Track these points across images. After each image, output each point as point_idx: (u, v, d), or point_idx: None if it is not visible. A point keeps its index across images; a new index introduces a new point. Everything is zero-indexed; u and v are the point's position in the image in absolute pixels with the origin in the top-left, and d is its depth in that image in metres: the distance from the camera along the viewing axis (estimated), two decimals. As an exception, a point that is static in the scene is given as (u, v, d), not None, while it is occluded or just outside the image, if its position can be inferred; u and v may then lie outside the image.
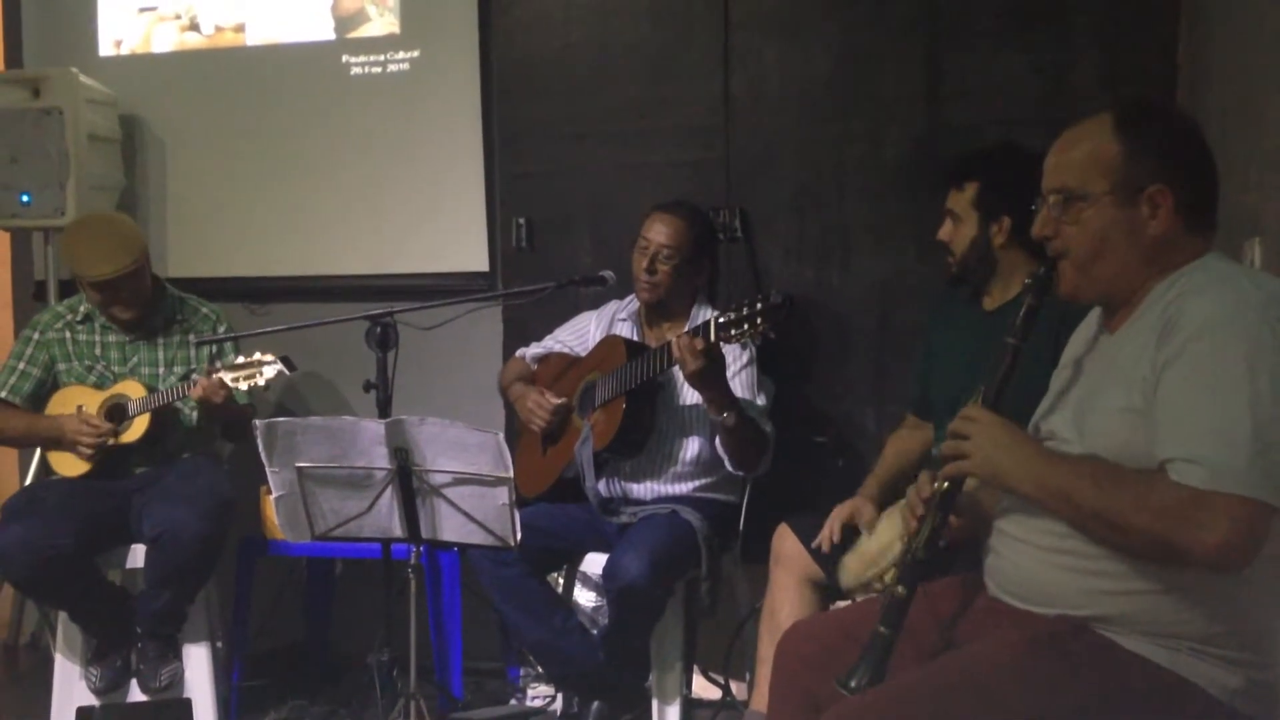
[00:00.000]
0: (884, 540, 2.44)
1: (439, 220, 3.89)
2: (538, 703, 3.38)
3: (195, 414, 3.35)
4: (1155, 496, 1.60)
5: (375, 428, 2.50)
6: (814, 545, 2.67)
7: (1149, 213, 1.75)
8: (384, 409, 2.93)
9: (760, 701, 2.51)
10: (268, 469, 2.53)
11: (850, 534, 2.62)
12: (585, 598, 3.40)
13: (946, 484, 1.85)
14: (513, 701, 3.41)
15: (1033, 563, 1.80)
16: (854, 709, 1.70)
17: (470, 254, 3.84)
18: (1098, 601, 1.72)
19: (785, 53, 3.52)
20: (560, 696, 3.29)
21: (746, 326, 2.64)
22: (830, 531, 2.65)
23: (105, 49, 4.21)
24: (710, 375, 2.77)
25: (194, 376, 3.26)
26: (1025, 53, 3.30)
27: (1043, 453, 1.77)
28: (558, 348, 3.39)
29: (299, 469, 2.52)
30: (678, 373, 3.00)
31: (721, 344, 2.72)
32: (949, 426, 1.85)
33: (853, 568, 2.49)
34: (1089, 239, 1.78)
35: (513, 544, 2.55)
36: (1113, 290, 1.82)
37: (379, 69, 3.94)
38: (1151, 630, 1.68)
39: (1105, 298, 1.85)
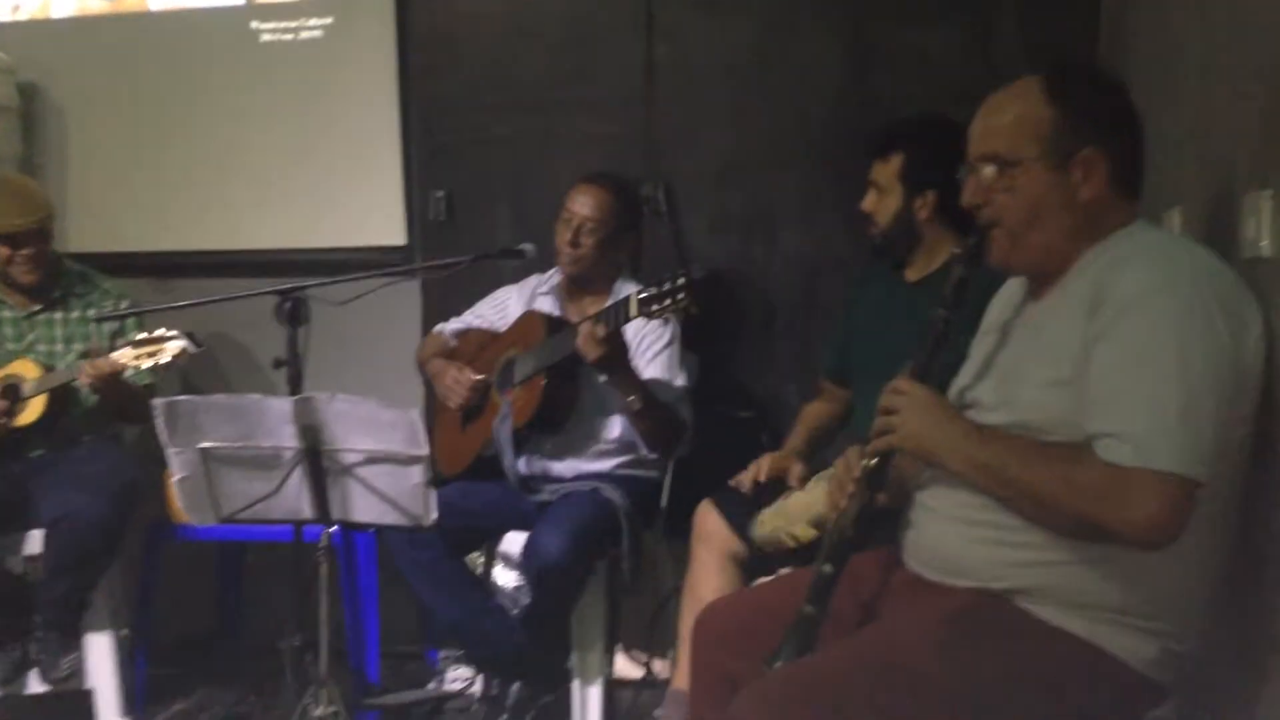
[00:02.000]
0: (805, 500, 2.42)
1: (354, 193, 3.78)
2: (457, 685, 3.32)
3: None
4: (1083, 474, 1.58)
5: (282, 406, 2.40)
6: (734, 485, 2.65)
7: (1081, 178, 1.73)
8: (295, 386, 2.81)
9: (682, 680, 2.47)
10: (168, 450, 2.42)
11: (776, 490, 2.59)
12: (506, 578, 3.34)
13: (875, 460, 1.81)
14: (431, 685, 3.35)
15: (951, 536, 1.78)
16: (771, 686, 1.66)
17: (387, 227, 3.74)
18: (1015, 574, 1.70)
19: (708, 22, 3.47)
20: (480, 678, 3.23)
21: (669, 302, 2.59)
22: (757, 471, 2.63)
23: (1, 14, 4.02)
24: (612, 361, 2.73)
25: (92, 354, 3.13)
26: (948, 25, 3.31)
27: (971, 427, 1.74)
28: (477, 323, 3.31)
29: (202, 449, 2.41)
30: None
31: (644, 320, 2.67)
32: (880, 402, 1.82)
33: (767, 521, 2.47)
34: (1022, 206, 1.75)
35: (428, 524, 2.47)
36: (1044, 258, 1.79)
37: (290, 36, 3.80)
38: (1068, 601, 1.67)
39: (1037, 266, 1.82)
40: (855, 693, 1.62)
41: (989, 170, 1.76)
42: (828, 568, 1.77)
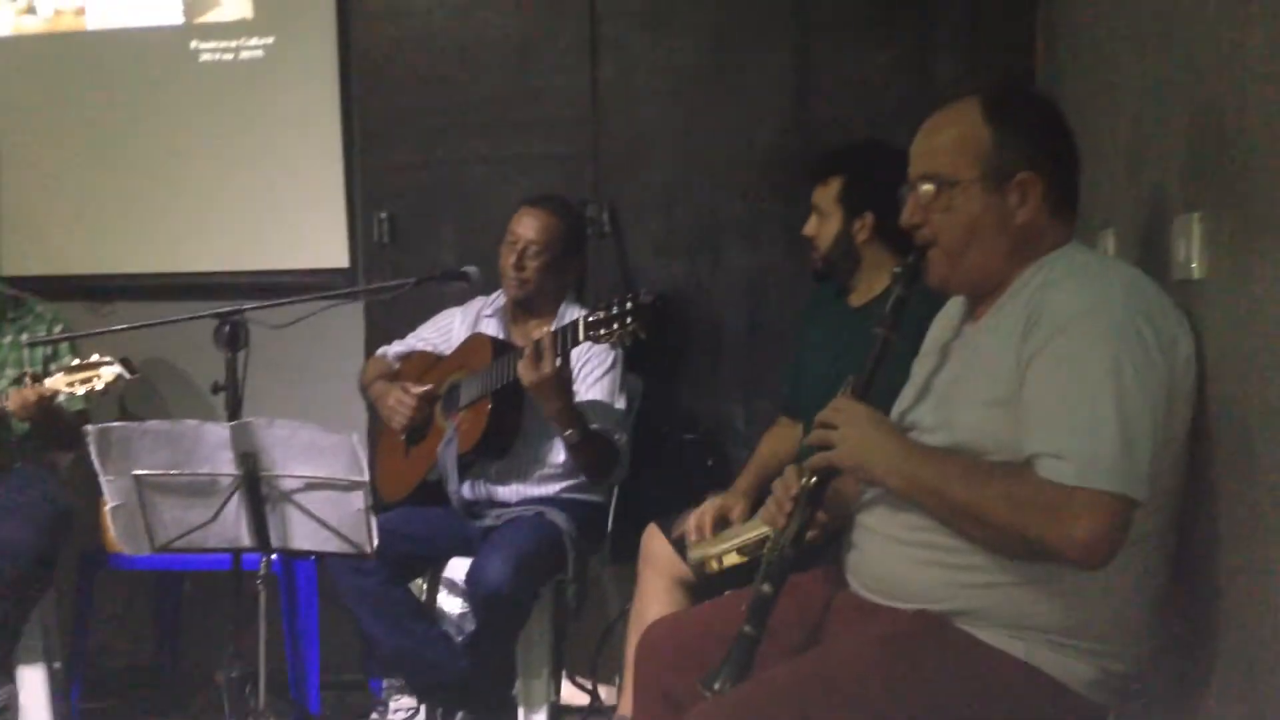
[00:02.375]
0: (738, 529, 2.42)
1: (296, 215, 3.74)
2: (400, 715, 3.27)
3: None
4: (1023, 492, 1.58)
5: (220, 431, 2.36)
6: (676, 536, 2.63)
7: (1018, 200, 1.74)
8: (234, 412, 2.77)
9: (628, 705, 2.45)
10: (102, 477, 2.37)
11: (721, 527, 2.58)
12: (450, 604, 3.30)
13: (814, 479, 1.81)
14: (374, 715, 3.30)
15: (893, 557, 1.77)
16: (714, 710, 1.64)
17: (330, 250, 3.70)
18: (957, 595, 1.70)
19: (653, 44, 3.48)
20: (424, 708, 3.18)
21: (616, 326, 2.58)
22: (700, 521, 2.60)
23: (-64, 34, 3.96)
24: (551, 390, 2.71)
25: (25, 380, 3.06)
26: (889, 50, 3.34)
27: (911, 446, 1.74)
28: (421, 346, 3.28)
29: (136, 477, 2.36)
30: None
31: (589, 342, 2.66)
32: (817, 417, 1.81)
33: (697, 545, 2.45)
34: (959, 226, 1.76)
35: (369, 551, 2.43)
36: (981, 279, 1.80)
37: (230, 56, 3.77)
38: (1009, 623, 1.67)
39: (974, 286, 1.83)
40: (798, 717, 1.60)
41: (927, 189, 1.77)
42: (766, 588, 1.76)
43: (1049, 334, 1.62)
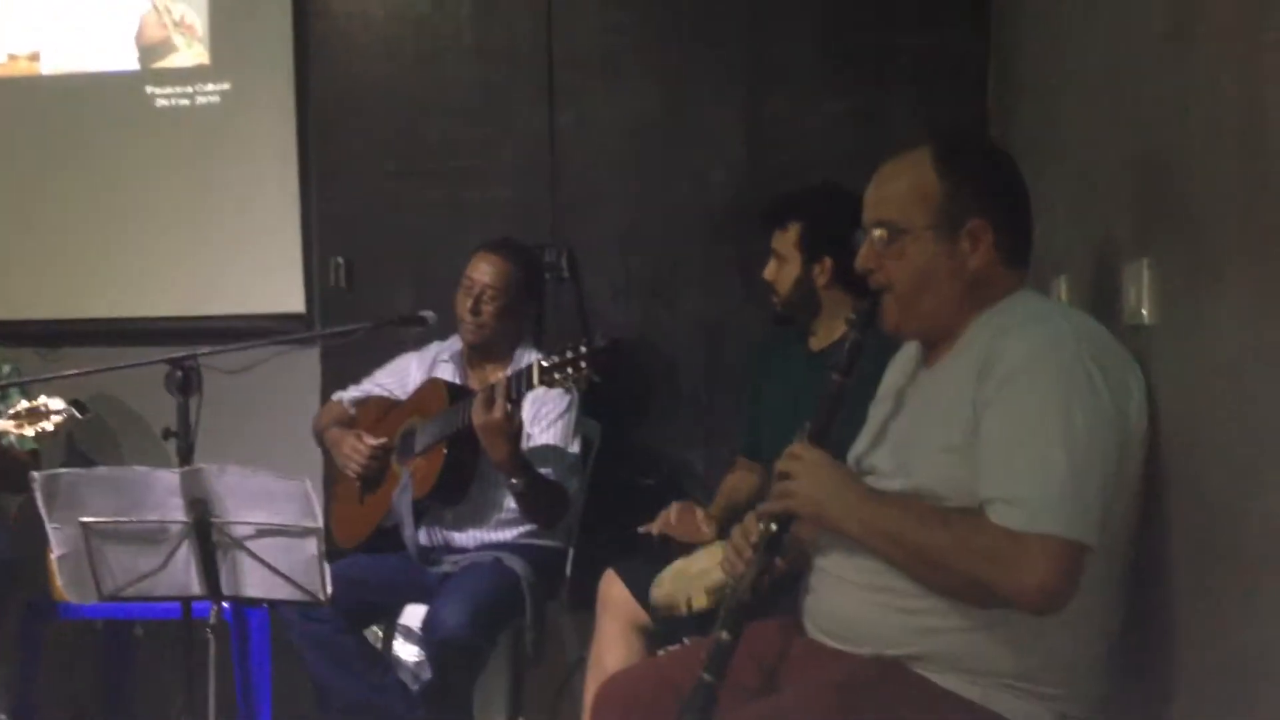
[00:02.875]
0: (704, 564, 2.41)
1: (251, 260, 3.72)
2: (355, 766, 3.20)
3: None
4: (976, 538, 1.59)
5: (169, 478, 2.32)
6: (643, 530, 2.63)
7: (969, 247, 1.76)
8: (185, 458, 2.73)
9: (586, 754, 2.43)
10: (48, 525, 2.32)
11: (677, 551, 2.58)
12: (406, 652, 3.25)
13: (774, 526, 1.80)
14: (328, 766, 3.22)
15: (850, 601, 1.77)
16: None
17: (285, 295, 3.68)
18: (913, 640, 1.70)
19: (610, 91, 3.51)
20: (379, 757, 3.12)
21: (570, 370, 2.58)
22: (666, 516, 2.60)
23: (-112, 75, 3.92)
24: (499, 436, 2.69)
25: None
26: (842, 98, 3.40)
27: (868, 492, 1.74)
28: (377, 391, 3.25)
29: (83, 524, 2.32)
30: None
31: (544, 386, 2.65)
32: (776, 466, 1.82)
33: (666, 583, 2.45)
34: (911, 273, 1.78)
35: (323, 598, 2.39)
36: (934, 325, 1.82)
37: (186, 101, 3.75)
38: (965, 667, 1.67)
39: (927, 332, 1.85)
40: (754, 764, 1.59)
41: (880, 235, 1.79)
42: (725, 635, 1.74)
43: (1001, 380, 1.63)
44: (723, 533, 2.68)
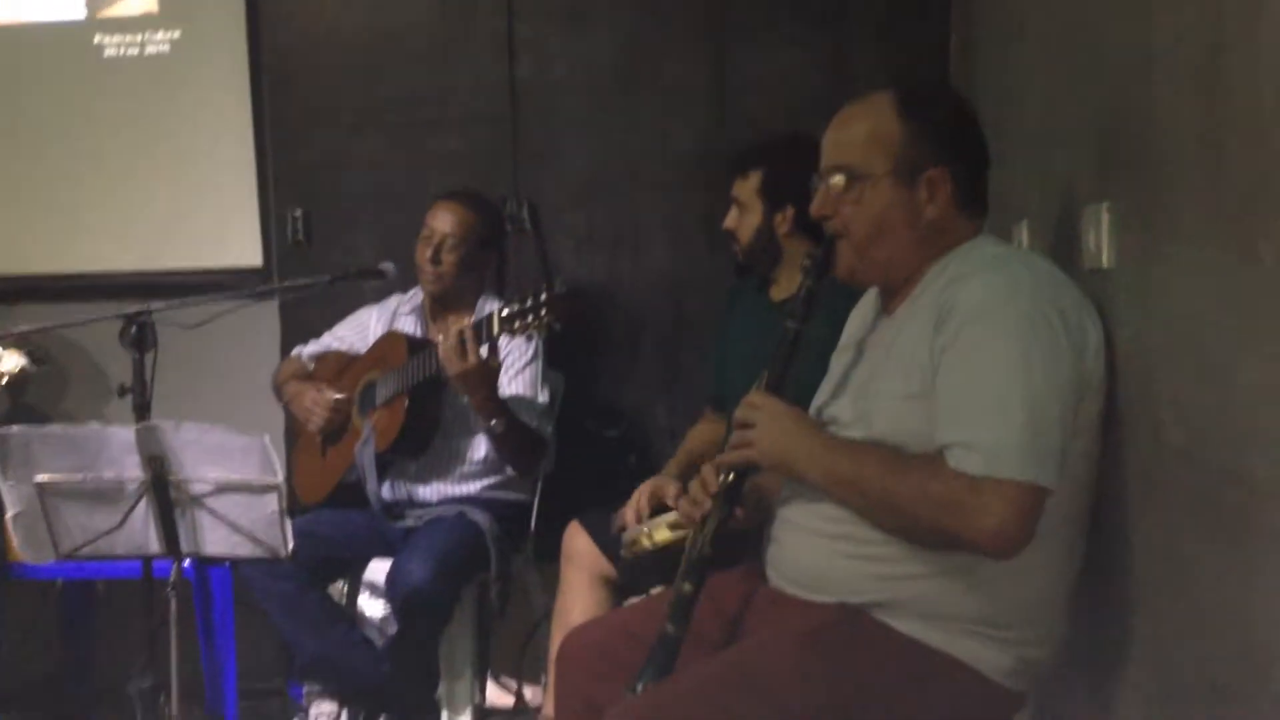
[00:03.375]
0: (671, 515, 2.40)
1: (207, 213, 3.66)
2: (321, 721, 3.20)
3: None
4: (935, 483, 1.58)
5: (125, 434, 2.29)
6: (616, 531, 2.61)
7: (927, 195, 1.75)
8: (141, 414, 2.69)
9: (552, 707, 2.43)
10: (1, 484, 2.29)
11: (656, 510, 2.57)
12: (372, 607, 3.24)
13: (731, 475, 1.80)
14: (294, 721, 3.23)
15: (813, 550, 1.77)
16: (633, 709, 1.63)
17: (242, 249, 3.62)
18: (875, 587, 1.70)
19: (570, 40, 3.45)
20: (345, 713, 3.12)
21: (531, 318, 2.55)
22: (638, 503, 2.58)
23: None
24: (476, 380, 2.67)
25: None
26: (806, 47, 3.36)
27: (828, 440, 1.74)
28: (337, 345, 3.22)
29: (38, 483, 2.28)
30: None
31: (505, 336, 2.63)
32: (734, 416, 1.81)
33: (632, 532, 2.44)
34: (868, 220, 1.76)
35: (284, 555, 2.37)
36: (889, 273, 1.81)
37: (136, 50, 3.67)
38: (927, 613, 1.68)
39: (882, 280, 1.84)
40: (715, 714, 1.60)
41: (838, 181, 1.77)
42: (687, 587, 1.74)
43: (959, 326, 1.63)
44: (689, 481, 2.68)
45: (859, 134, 1.78)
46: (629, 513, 2.57)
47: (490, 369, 2.69)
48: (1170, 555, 1.52)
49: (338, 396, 3.03)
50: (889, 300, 1.85)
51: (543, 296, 2.54)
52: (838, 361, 1.96)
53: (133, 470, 2.31)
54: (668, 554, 2.22)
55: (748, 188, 2.68)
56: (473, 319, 2.93)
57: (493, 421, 2.77)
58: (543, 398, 2.99)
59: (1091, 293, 1.74)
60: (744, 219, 2.70)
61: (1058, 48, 2.13)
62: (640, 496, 2.58)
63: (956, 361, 1.62)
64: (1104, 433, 1.70)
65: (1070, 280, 1.72)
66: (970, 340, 1.62)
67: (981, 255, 1.74)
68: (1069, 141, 2.02)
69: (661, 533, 2.28)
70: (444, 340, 2.67)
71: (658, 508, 2.56)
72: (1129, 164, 1.67)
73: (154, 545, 2.40)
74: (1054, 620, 1.73)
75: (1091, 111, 1.87)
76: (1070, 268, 1.82)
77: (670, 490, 2.58)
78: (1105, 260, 1.74)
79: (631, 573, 2.48)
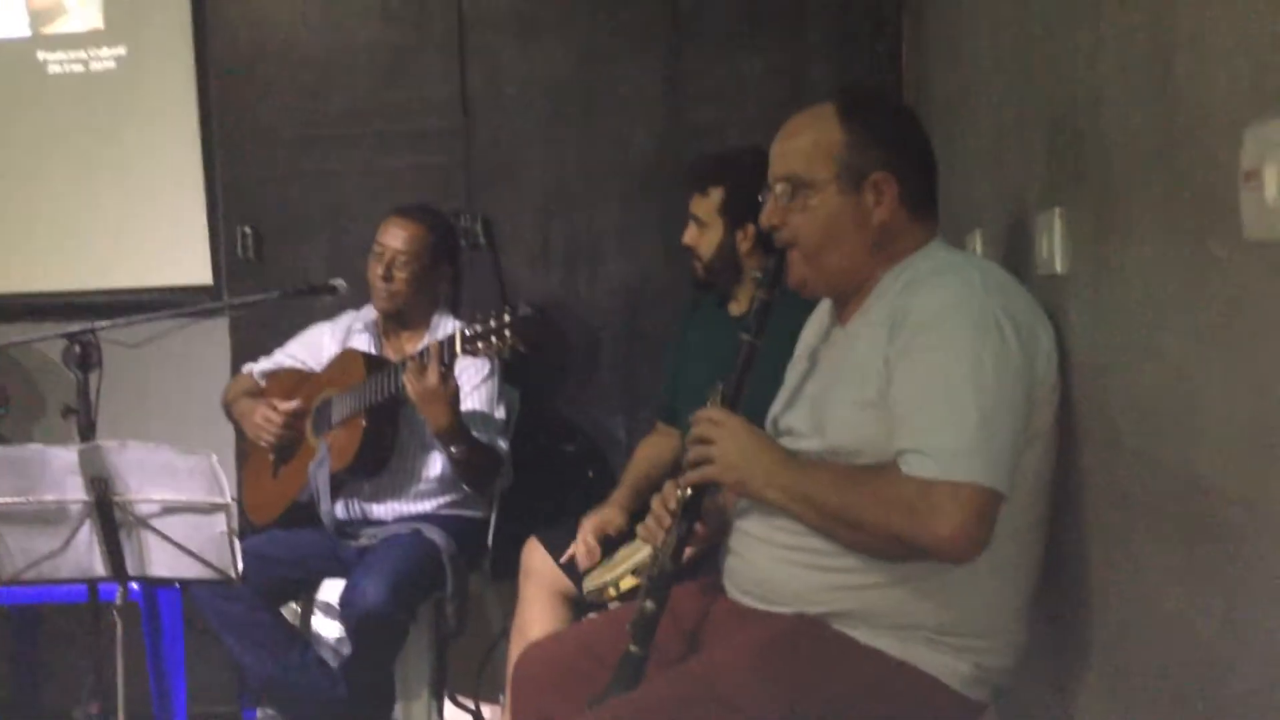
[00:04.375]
0: (628, 550, 2.38)
1: (155, 231, 3.60)
2: (275, 745, 3.15)
3: None
4: (891, 490, 1.58)
5: (67, 455, 2.23)
6: (563, 561, 2.58)
7: (873, 200, 1.74)
8: (86, 435, 2.64)
9: (510, 722, 2.40)
10: (-60, 509, 2.23)
11: (609, 545, 2.54)
12: (327, 628, 3.19)
13: (690, 492, 1.78)
14: (247, 746, 3.17)
15: (770, 561, 1.75)
16: (590, 725, 1.61)
17: (190, 266, 3.57)
18: (834, 597, 1.69)
19: (524, 53, 3.44)
20: (299, 737, 3.06)
21: (494, 339, 2.52)
22: (585, 546, 2.56)
23: None
24: (438, 403, 2.64)
25: None
26: (761, 56, 3.36)
27: (785, 457, 1.72)
28: (289, 362, 3.17)
29: (-22, 506, 2.23)
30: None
31: (468, 356, 2.60)
32: (691, 431, 1.79)
33: (594, 575, 2.41)
34: (816, 228, 1.76)
35: (234, 576, 2.33)
36: (842, 281, 1.80)
37: (81, 67, 3.61)
38: (885, 623, 1.67)
39: (834, 289, 1.83)
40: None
41: (784, 190, 1.77)
42: (649, 605, 1.73)
43: (912, 333, 1.63)
44: (640, 505, 2.65)
45: (803, 144, 1.77)
46: (581, 553, 2.54)
47: (452, 391, 2.65)
48: (1127, 559, 1.52)
49: (289, 406, 2.97)
50: (842, 310, 1.84)
51: (506, 318, 2.51)
52: (792, 372, 1.95)
53: (76, 492, 2.26)
54: (634, 594, 2.20)
55: (708, 205, 2.66)
56: (427, 337, 2.90)
57: (452, 447, 2.73)
58: (499, 413, 2.95)
59: (1046, 298, 1.74)
60: (704, 236, 2.68)
61: (1008, 56, 2.14)
62: (586, 535, 2.55)
63: (910, 369, 1.62)
64: (1060, 438, 1.70)
65: (1021, 286, 1.72)
66: (923, 347, 1.61)
67: (933, 262, 1.74)
68: (1020, 149, 2.02)
69: (627, 581, 2.27)
70: (410, 361, 2.63)
71: (606, 540, 2.55)
72: (1080, 169, 1.68)
73: (99, 568, 2.34)
74: (1012, 628, 1.72)
75: (1041, 118, 1.87)
76: (1024, 274, 1.83)
77: (615, 523, 2.56)
78: (1059, 266, 1.74)
79: (600, 604, 2.45)
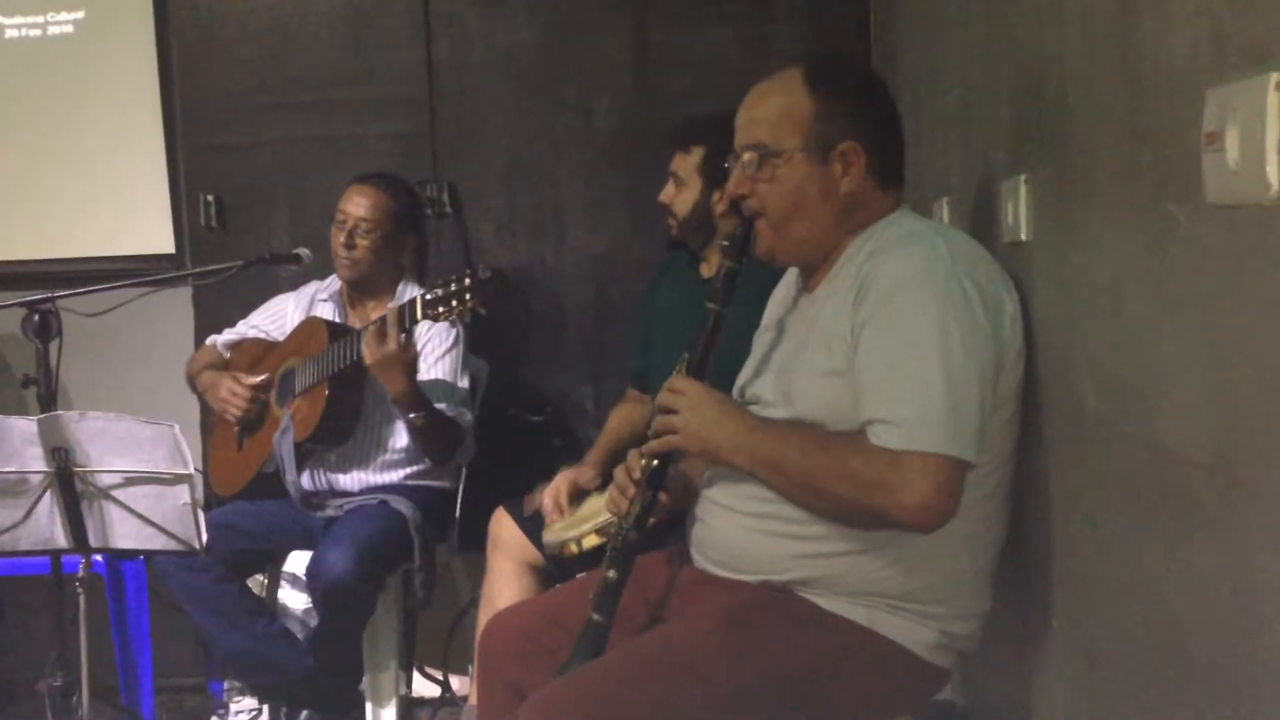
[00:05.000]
0: (593, 507, 2.38)
1: (115, 199, 3.55)
2: (242, 717, 3.13)
3: None
4: (858, 460, 1.57)
5: (26, 426, 2.22)
6: (529, 513, 2.57)
7: (841, 170, 1.73)
8: (46, 406, 2.61)
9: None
10: (-103, 480, 2.20)
11: (576, 500, 2.54)
12: (294, 599, 3.18)
13: (655, 460, 1.77)
14: (214, 718, 3.15)
15: (737, 530, 1.75)
16: (554, 692, 1.60)
17: (153, 235, 3.52)
18: (799, 565, 1.69)
19: (489, 20, 3.40)
20: (267, 709, 3.06)
21: (455, 303, 2.51)
22: (556, 497, 2.55)
23: None
24: (396, 369, 2.62)
25: None
26: (727, 25, 3.34)
27: (752, 422, 1.71)
28: (252, 333, 3.14)
29: (-65, 478, 2.20)
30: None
31: (429, 321, 2.58)
32: (656, 401, 1.78)
33: (556, 528, 2.41)
34: (784, 197, 1.75)
35: (198, 547, 2.32)
36: (809, 250, 1.79)
37: (38, 31, 3.54)
38: (851, 590, 1.67)
39: (802, 257, 1.82)
40: (639, 695, 1.58)
41: (751, 158, 1.75)
42: (612, 574, 1.72)
43: (877, 301, 1.62)
44: (609, 472, 2.65)
45: (770, 111, 1.76)
46: (548, 502, 2.54)
47: (410, 358, 2.64)
48: (1091, 527, 1.53)
49: (255, 381, 2.95)
50: (809, 278, 1.84)
51: (466, 281, 2.49)
52: (759, 341, 1.94)
53: (36, 463, 2.25)
54: (596, 553, 2.20)
55: (689, 163, 2.66)
56: (393, 304, 2.87)
57: (411, 415, 2.72)
58: (463, 383, 2.94)
59: (1012, 266, 1.74)
60: (681, 194, 2.67)
61: (974, 23, 2.13)
62: (561, 487, 2.55)
63: (875, 337, 1.61)
64: (1024, 405, 1.70)
65: (987, 253, 1.72)
66: (888, 315, 1.61)
67: (899, 230, 1.73)
68: (986, 117, 2.02)
69: (590, 540, 2.26)
70: (365, 337, 2.61)
71: (575, 495, 2.55)
72: (1045, 136, 1.67)
73: (61, 540, 2.33)
74: (976, 595, 1.73)
75: (1007, 85, 1.87)
76: (991, 242, 1.83)
77: (588, 481, 2.56)
78: (1024, 233, 1.74)
79: (559, 561, 2.45)
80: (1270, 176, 0.99)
